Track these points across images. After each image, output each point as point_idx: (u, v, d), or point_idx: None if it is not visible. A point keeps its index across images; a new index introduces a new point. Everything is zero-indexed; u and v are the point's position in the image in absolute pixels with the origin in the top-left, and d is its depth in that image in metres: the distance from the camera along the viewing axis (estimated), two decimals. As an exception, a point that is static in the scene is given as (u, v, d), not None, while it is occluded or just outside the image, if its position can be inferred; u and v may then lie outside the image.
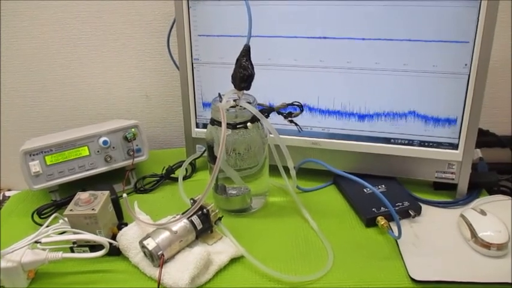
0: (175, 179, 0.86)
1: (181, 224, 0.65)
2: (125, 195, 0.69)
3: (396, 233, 0.67)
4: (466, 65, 0.71)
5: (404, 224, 0.72)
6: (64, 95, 1.05)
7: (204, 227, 0.67)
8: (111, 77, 1.04)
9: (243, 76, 0.67)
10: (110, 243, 0.66)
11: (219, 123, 0.70)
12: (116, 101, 1.06)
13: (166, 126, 1.09)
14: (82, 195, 0.67)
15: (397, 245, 0.68)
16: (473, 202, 0.77)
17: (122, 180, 0.82)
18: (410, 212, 0.73)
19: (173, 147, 1.10)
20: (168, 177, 0.87)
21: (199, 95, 0.87)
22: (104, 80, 1.04)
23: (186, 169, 0.88)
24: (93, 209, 0.65)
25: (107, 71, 1.04)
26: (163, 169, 0.88)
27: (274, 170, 0.78)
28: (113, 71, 1.04)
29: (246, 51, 0.67)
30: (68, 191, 0.81)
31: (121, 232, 0.68)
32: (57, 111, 1.07)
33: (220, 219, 0.70)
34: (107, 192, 0.69)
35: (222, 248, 0.66)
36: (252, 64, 0.67)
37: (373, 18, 0.73)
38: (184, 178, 0.89)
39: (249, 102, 0.71)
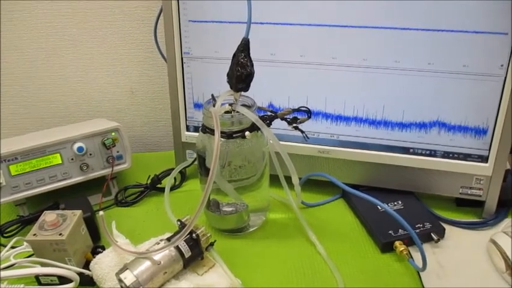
0: (162, 189, 0.75)
1: (166, 251, 0.55)
2: (101, 213, 0.59)
3: (419, 264, 0.57)
4: (502, 65, 0.61)
5: (426, 249, 0.62)
6: (37, 90, 0.94)
7: (193, 254, 0.57)
8: (91, 71, 0.93)
9: (241, 75, 0.57)
10: (82, 273, 0.56)
11: (212, 131, 0.59)
12: (97, 97, 0.95)
13: (153, 126, 0.99)
14: (48, 217, 0.56)
15: (419, 275, 0.58)
16: (503, 222, 0.67)
17: (101, 190, 0.71)
18: (432, 235, 0.63)
19: (161, 149, 1.00)
20: (153, 187, 0.77)
21: (190, 95, 0.76)
22: (83, 73, 0.93)
23: (174, 178, 0.77)
24: (60, 234, 0.55)
25: (87, 64, 0.92)
26: (148, 178, 0.78)
27: (274, 180, 0.68)
28: (93, 63, 0.92)
29: (245, 46, 0.57)
30: (38, 203, 0.71)
31: (95, 260, 0.57)
32: (29, 108, 0.96)
33: (212, 244, 0.60)
34: (78, 212, 0.59)
35: (214, 280, 0.57)
36: (251, 61, 0.57)
37: (395, 6, 0.62)
38: (173, 188, 0.78)
39: (248, 106, 0.61)
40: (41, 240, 0.55)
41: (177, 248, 0.56)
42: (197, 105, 0.77)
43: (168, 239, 0.56)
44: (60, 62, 0.92)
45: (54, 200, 0.70)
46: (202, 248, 0.58)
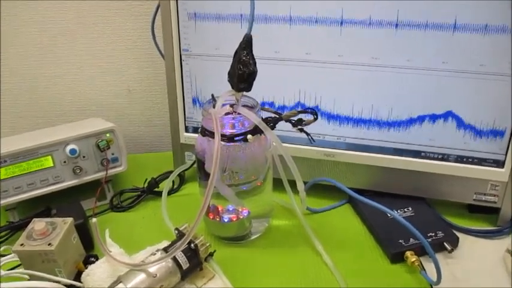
0: (160, 193, 0.71)
1: (163, 263, 0.52)
2: (94, 220, 0.56)
3: (433, 276, 0.54)
4: (521, 64, 0.57)
5: (439, 260, 0.57)
6: (30, 88, 0.90)
7: (192, 265, 0.53)
8: (87, 68, 0.89)
9: (243, 74, 0.53)
10: (73, 285, 0.53)
11: (212, 134, 0.56)
12: (92, 96, 0.92)
13: (151, 126, 0.95)
14: (36, 225, 0.53)
15: (432, 288, 0.55)
16: (520, 231, 0.64)
17: (95, 194, 0.68)
18: (446, 245, 0.59)
19: (160, 150, 0.96)
20: (150, 191, 0.73)
21: (189, 94, 0.73)
22: (78, 71, 0.90)
23: (172, 181, 0.74)
24: (49, 244, 0.52)
25: (82, 61, 0.89)
26: (145, 181, 0.74)
27: (277, 184, 0.64)
28: (88, 60, 0.89)
29: (247, 43, 0.53)
30: (29, 208, 0.68)
31: (87, 271, 0.54)
32: (22, 107, 0.92)
33: (211, 254, 0.56)
34: (69, 220, 0.55)
35: (213, 292, 0.53)
36: (254, 59, 0.54)
37: (407, 2, 0.58)
38: (171, 192, 0.75)
39: (250, 107, 0.57)
40: (28, 251, 0.51)
41: (174, 259, 0.52)
42: (196, 105, 0.73)
43: (165, 249, 0.53)
44: (54, 59, 0.88)
45: (46, 204, 0.66)
46: (201, 259, 0.54)
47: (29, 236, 0.53)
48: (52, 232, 0.53)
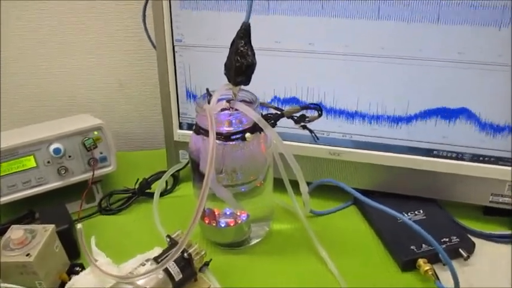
0: (152, 195, 0.66)
1: (153, 274, 0.47)
2: (79, 226, 0.51)
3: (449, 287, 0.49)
4: (545, 55, 0.52)
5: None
6: (14, 82, 0.85)
7: (185, 276, 0.49)
8: (75, 61, 0.84)
9: (240, 66, 0.49)
10: (54, 299, 0.48)
11: (206, 132, 0.51)
12: (81, 90, 0.87)
13: (145, 122, 0.90)
14: (14, 234, 0.48)
15: (447, 300, 0.50)
16: (540, 235, 0.59)
17: (82, 196, 0.63)
18: (461, 251, 0.55)
19: (154, 147, 0.91)
20: (142, 193, 0.69)
21: (183, 88, 0.68)
22: (66, 64, 0.85)
23: (166, 181, 0.69)
24: (28, 255, 0.47)
25: (71, 53, 0.84)
26: (136, 182, 0.69)
27: (278, 184, 0.60)
28: (76, 53, 0.84)
29: (245, 32, 0.48)
30: (12, 212, 0.63)
31: (70, 283, 0.50)
32: (9, 104, 0.87)
33: (207, 264, 0.52)
34: (50, 227, 0.51)
35: (209, 305, 0.49)
36: (252, 49, 0.49)
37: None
38: (164, 193, 0.70)
39: (249, 103, 0.52)
40: (4, 263, 0.46)
41: (166, 270, 0.48)
42: (191, 100, 0.68)
43: (156, 259, 0.48)
44: (42, 53, 0.83)
45: (29, 208, 0.62)
46: (196, 269, 0.50)
47: (5, 245, 0.48)
48: (31, 241, 0.48)
